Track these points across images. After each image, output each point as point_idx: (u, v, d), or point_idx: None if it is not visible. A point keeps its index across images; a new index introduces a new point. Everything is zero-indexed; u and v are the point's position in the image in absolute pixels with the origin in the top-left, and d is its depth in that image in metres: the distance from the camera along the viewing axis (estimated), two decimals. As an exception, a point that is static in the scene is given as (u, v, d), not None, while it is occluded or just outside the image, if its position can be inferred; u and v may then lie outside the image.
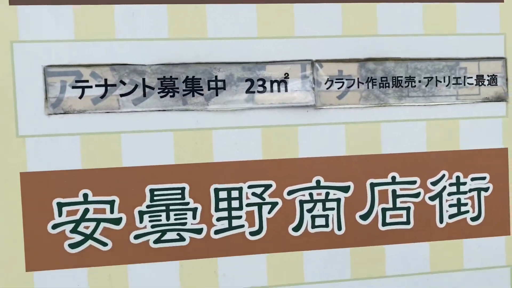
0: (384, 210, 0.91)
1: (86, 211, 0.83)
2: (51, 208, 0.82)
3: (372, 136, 0.89)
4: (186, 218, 0.85)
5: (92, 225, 0.83)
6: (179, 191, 0.85)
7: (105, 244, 0.83)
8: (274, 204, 0.88)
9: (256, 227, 0.87)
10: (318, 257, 0.89)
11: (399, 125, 0.90)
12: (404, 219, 0.91)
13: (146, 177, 0.84)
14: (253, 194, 0.87)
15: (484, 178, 0.93)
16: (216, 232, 0.86)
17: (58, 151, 0.81)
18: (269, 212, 0.88)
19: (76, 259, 0.83)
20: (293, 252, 0.88)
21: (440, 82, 0.91)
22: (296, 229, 0.89)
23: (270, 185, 0.88)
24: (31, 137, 0.81)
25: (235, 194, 0.87)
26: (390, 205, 0.91)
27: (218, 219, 0.86)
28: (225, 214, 0.87)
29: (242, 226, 0.87)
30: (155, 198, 0.84)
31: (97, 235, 0.83)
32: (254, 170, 0.87)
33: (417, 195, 0.91)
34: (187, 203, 0.85)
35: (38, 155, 0.81)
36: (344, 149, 0.89)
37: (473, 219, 0.93)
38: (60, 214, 0.82)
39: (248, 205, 0.87)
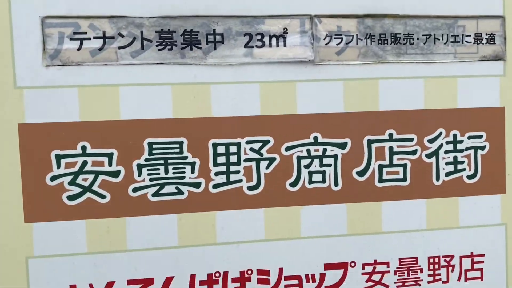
0: (380, 167, 0.91)
1: (85, 163, 0.83)
2: (49, 160, 0.82)
3: (370, 93, 0.90)
4: (184, 172, 0.86)
5: (91, 177, 0.83)
6: (178, 145, 0.85)
7: (103, 197, 0.84)
8: (272, 160, 0.88)
9: (254, 182, 0.88)
10: (315, 212, 0.90)
11: (397, 82, 0.90)
12: (400, 176, 0.92)
13: (144, 130, 0.84)
14: (251, 149, 0.88)
15: (481, 137, 0.94)
16: (214, 186, 0.87)
17: (56, 103, 0.81)
18: (267, 168, 0.88)
19: (75, 211, 0.83)
20: (290, 207, 0.89)
21: (438, 40, 0.91)
22: (293, 184, 0.89)
23: (268, 141, 0.88)
24: (29, 88, 0.80)
25: (233, 149, 0.87)
26: (387, 162, 0.91)
27: (216, 174, 0.87)
28: (223, 169, 0.87)
29: (240, 181, 0.88)
30: (154, 151, 0.85)
31: (95, 187, 0.83)
32: (252, 125, 0.87)
33: (414, 152, 0.92)
34: (186, 157, 0.86)
35: (36, 107, 0.81)
36: (342, 106, 0.89)
37: (469, 177, 0.94)
38: (58, 166, 0.82)
39: (246, 160, 0.88)
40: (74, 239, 0.84)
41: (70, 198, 0.83)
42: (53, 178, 0.82)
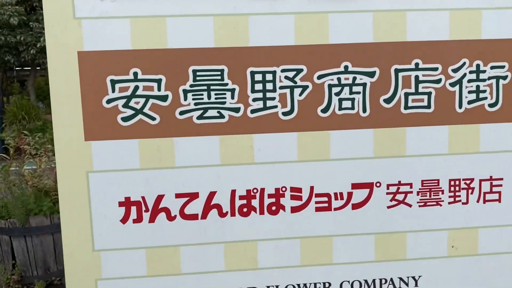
0: (406, 95, 0.98)
1: (136, 88, 0.92)
2: (105, 84, 0.91)
3: (398, 23, 0.95)
4: (225, 98, 0.94)
5: (142, 101, 0.93)
6: (219, 73, 0.93)
7: (153, 119, 0.93)
8: (305, 87, 0.96)
9: (288, 108, 0.96)
10: (343, 136, 0.97)
11: (424, 14, 0.95)
12: (425, 103, 0.98)
13: (189, 58, 0.92)
14: (286, 77, 0.95)
15: (503, 67, 0.99)
16: (252, 111, 0.95)
17: (111, 33, 0.90)
18: (300, 95, 0.96)
19: (128, 131, 0.93)
20: (321, 132, 0.97)
21: (465, -27, 0.95)
22: (324, 110, 0.97)
23: (302, 70, 0.95)
24: (86, 19, 0.89)
25: (269, 77, 0.95)
26: (413, 90, 0.98)
27: (254, 100, 0.95)
28: (260, 95, 0.95)
29: (276, 106, 0.96)
30: (197, 78, 0.93)
31: (146, 110, 0.93)
32: (286, 54, 0.94)
33: (438, 81, 0.98)
34: (226, 84, 0.94)
35: (92, 36, 0.90)
36: (371, 36, 0.95)
37: (490, 105, 1.00)
38: (113, 90, 0.92)
39: (281, 87, 0.95)
40: (128, 156, 0.94)
41: (124, 119, 0.93)
42: (109, 101, 0.92)
